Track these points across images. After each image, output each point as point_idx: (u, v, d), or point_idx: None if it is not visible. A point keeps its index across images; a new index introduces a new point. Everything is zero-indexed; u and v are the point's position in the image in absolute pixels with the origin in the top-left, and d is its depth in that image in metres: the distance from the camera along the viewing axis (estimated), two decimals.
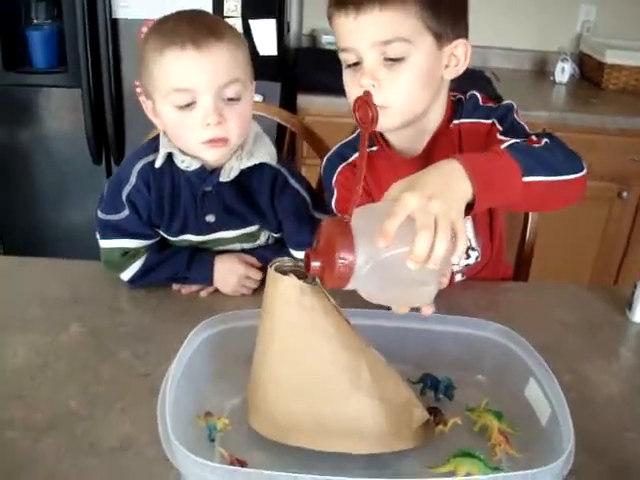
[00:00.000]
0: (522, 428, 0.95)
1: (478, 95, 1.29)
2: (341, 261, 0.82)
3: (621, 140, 2.64)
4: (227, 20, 2.17)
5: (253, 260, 1.35)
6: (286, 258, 0.93)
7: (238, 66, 1.20)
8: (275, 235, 1.40)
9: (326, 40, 2.96)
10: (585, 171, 1.10)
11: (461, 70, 1.22)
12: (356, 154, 1.30)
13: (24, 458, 0.90)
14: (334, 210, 1.36)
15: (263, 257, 1.33)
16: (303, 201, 1.34)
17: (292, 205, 1.33)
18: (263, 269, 1.30)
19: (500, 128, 1.23)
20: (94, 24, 2.23)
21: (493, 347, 1.04)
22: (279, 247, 1.38)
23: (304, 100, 2.52)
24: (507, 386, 1.02)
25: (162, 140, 1.28)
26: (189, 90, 1.17)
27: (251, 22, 2.24)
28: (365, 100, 0.87)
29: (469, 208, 0.92)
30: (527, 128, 1.22)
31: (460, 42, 1.19)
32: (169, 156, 1.27)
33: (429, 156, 1.25)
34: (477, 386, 1.06)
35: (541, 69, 3.22)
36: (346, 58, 1.19)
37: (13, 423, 0.96)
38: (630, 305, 1.32)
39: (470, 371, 1.07)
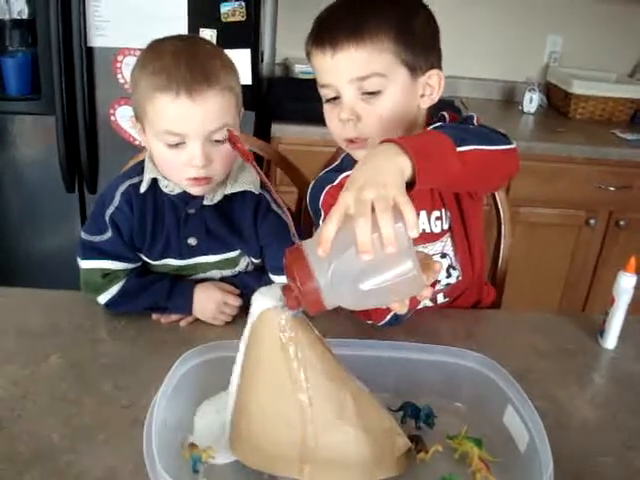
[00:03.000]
0: (502, 455, 0.97)
1: (446, 114, 1.31)
2: (305, 287, 0.83)
3: (588, 169, 2.71)
4: None
5: (231, 288, 1.35)
6: (269, 287, 0.94)
7: (229, 111, 1.22)
8: (255, 261, 1.41)
9: (299, 69, 3.00)
10: (515, 145, 1.14)
11: (436, 98, 1.26)
12: (342, 175, 1.33)
13: None
14: None
15: (243, 283, 1.35)
16: (285, 226, 1.36)
17: (274, 230, 1.35)
18: (243, 295, 1.32)
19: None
20: (69, 52, 2.23)
21: (471, 375, 1.06)
22: (259, 273, 1.40)
23: (278, 129, 2.55)
24: (486, 413, 1.04)
25: (147, 165, 1.30)
26: (180, 134, 1.19)
27: (226, 52, 2.26)
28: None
29: (411, 186, 0.91)
30: None
31: (434, 72, 1.24)
32: (153, 179, 1.29)
33: None
34: (457, 414, 1.08)
35: (509, 99, 3.30)
36: (325, 93, 1.24)
37: None
38: (602, 332, 1.35)
39: (449, 399, 1.09)
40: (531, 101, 3.07)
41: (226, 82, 1.21)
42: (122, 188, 1.31)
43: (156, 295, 1.32)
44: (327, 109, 1.26)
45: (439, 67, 1.26)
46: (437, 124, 1.14)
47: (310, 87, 3.05)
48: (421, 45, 1.21)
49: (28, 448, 0.97)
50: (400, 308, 0.94)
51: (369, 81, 1.18)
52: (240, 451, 0.94)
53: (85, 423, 1.03)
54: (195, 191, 1.28)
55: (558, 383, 1.22)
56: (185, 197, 1.30)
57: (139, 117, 1.25)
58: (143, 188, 1.29)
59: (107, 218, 1.31)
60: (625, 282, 1.30)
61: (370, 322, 1.31)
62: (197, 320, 1.33)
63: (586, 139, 2.81)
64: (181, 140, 1.20)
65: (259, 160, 1.84)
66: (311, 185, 1.43)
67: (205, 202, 1.31)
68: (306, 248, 0.85)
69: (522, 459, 0.94)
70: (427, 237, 1.37)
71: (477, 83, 3.27)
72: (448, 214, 1.38)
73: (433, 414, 1.04)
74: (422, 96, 1.25)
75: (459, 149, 0.99)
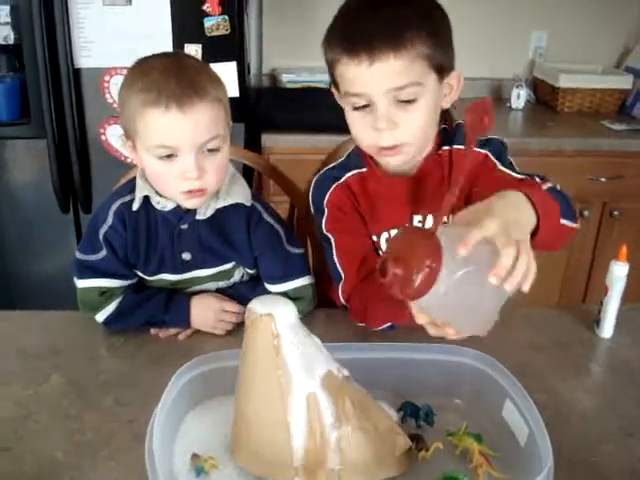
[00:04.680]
0: (502, 449, 0.98)
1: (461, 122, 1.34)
2: (427, 268, 0.86)
3: (578, 161, 2.72)
4: None
5: (227, 298, 1.37)
6: (264, 296, 0.95)
7: (219, 122, 1.23)
8: (250, 272, 1.42)
9: (286, 79, 3.01)
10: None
11: (455, 97, 1.27)
12: (349, 174, 1.34)
13: None
14: (323, 229, 1.36)
15: (239, 293, 1.36)
16: (277, 235, 1.37)
17: (267, 239, 1.36)
18: (239, 305, 1.33)
19: (496, 162, 1.29)
20: (56, 74, 2.25)
21: (469, 372, 1.08)
22: (254, 283, 1.41)
23: (268, 139, 2.57)
24: (485, 409, 1.05)
25: (138, 182, 1.31)
26: (172, 147, 1.20)
27: (212, 66, 2.27)
28: (482, 105, 0.90)
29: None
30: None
31: (455, 73, 1.25)
32: (145, 197, 1.30)
33: (421, 178, 1.32)
34: (456, 411, 1.09)
35: (497, 96, 3.30)
36: (354, 101, 1.20)
37: (0, 478, 0.96)
38: (598, 322, 1.36)
39: (448, 397, 1.10)
40: (519, 97, 3.09)
41: (215, 94, 1.22)
42: (114, 207, 1.32)
43: (153, 309, 1.33)
44: (355, 117, 1.22)
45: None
46: (548, 184, 1.20)
47: (298, 96, 3.09)
48: (446, 47, 1.22)
49: (33, 468, 0.98)
50: (454, 335, 1.03)
51: (406, 91, 1.16)
52: (241, 458, 0.95)
53: (88, 439, 1.04)
54: (190, 204, 1.28)
55: (556, 376, 1.23)
56: (178, 213, 1.31)
57: (129, 135, 1.26)
58: (135, 206, 1.30)
59: (101, 237, 1.31)
60: (617, 271, 1.31)
61: (362, 325, 1.32)
62: (195, 333, 1.34)
63: (575, 132, 2.83)
64: (174, 152, 1.20)
65: (250, 172, 1.85)
66: (315, 180, 1.41)
67: (198, 217, 1.31)
68: (440, 240, 0.90)
69: (522, 452, 0.94)
70: None
71: (465, 82, 3.26)
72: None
73: (433, 412, 1.05)
74: (444, 96, 1.26)
75: (561, 221, 1.13)
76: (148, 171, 1.27)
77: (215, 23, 2.24)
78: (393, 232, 1.34)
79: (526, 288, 0.92)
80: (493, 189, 1.07)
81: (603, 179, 2.74)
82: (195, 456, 0.94)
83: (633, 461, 1.04)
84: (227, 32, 2.27)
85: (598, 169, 2.74)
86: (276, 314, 0.90)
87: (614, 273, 1.31)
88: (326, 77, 3.12)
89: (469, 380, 1.08)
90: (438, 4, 1.22)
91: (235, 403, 0.95)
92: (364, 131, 1.22)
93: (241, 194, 1.34)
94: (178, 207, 1.30)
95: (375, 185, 1.35)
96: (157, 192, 1.30)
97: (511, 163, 1.32)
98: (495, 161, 1.30)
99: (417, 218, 1.34)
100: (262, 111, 2.69)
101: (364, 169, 1.35)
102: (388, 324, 1.29)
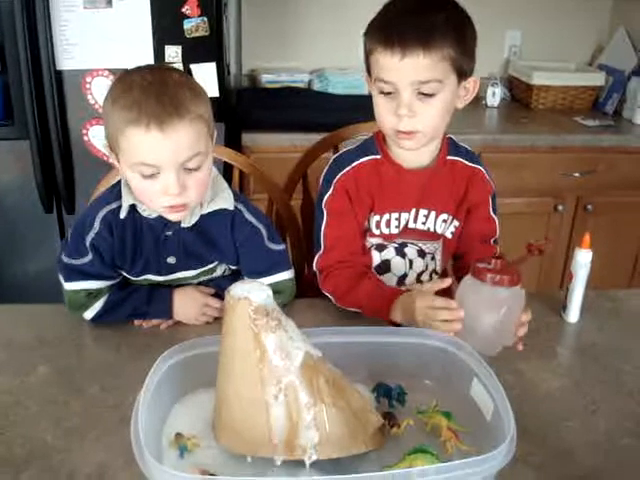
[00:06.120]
0: (470, 425, 1.03)
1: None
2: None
3: (552, 157, 2.79)
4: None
5: (210, 290, 1.42)
6: (243, 282, 1.00)
7: (200, 139, 1.24)
8: (233, 267, 1.46)
9: (266, 79, 3.05)
10: None
11: (469, 100, 1.42)
12: (364, 159, 1.46)
13: None
14: (323, 202, 1.47)
15: (221, 287, 1.39)
16: (258, 233, 1.41)
17: (248, 237, 1.40)
18: (221, 298, 1.37)
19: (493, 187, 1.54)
20: (39, 76, 2.28)
21: (439, 354, 1.13)
22: (235, 277, 1.44)
23: (248, 138, 2.60)
24: (453, 389, 1.10)
25: (124, 190, 1.33)
26: (153, 165, 1.22)
27: (192, 67, 2.33)
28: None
29: None
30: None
31: (473, 78, 1.38)
32: (131, 204, 1.32)
33: (431, 176, 1.47)
34: (426, 391, 1.14)
35: None
36: (382, 87, 1.34)
37: None
38: (564, 307, 1.42)
39: (419, 378, 1.15)
40: (494, 95, 3.14)
41: (196, 111, 1.22)
42: (101, 214, 1.34)
43: (136, 302, 1.37)
44: (381, 102, 1.36)
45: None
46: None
47: (277, 96, 3.12)
48: (470, 53, 1.35)
49: (23, 450, 1.02)
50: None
51: (428, 85, 1.30)
52: (223, 438, 1.00)
53: (75, 424, 1.08)
54: (172, 217, 1.31)
55: (523, 358, 1.28)
56: (163, 220, 1.34)
57: (112, 148, 1.27)
58: (123, 214, 1.32)
59: (87, 244, 1.33)
60: (581, 257, 1.37)
61: (330, 297, 1.45)
62: (177, 323, 1.38)
63: (549, 128, 2.89)
64: (155, 171, 1.22)
65: (229, 170, 1.90)
66: (333, 158, 1.52)
67: (183, 225, 1.35)
68: None
69: (489, 426, 0.99)
70: (429, 235, 1.51)
71: None
72: (454, 223, 1.51)
73: (404, 392, 1.10)
74: (459, 97, 1.39)
75: None
76: (132, 185, 1.28)
77: (194, 25, 2.28)
78: (395, 215, 1.46)
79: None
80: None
81: (576, 174, 2.80)
82: (178, 435, 0.99)
83: (597, 435, 1.10)
84: (206, 33, 2.31)
85: (571, 164, 2.80)
86: (253, 297, 0.95)
87: (578, 260, 1.37)
88: (304, 77, 3.18)
89: (439, 362, 1.13)
90: (469, 18, 1.36)
91: (216, 384, 1.00)
92: (387, 115, 1.36)
93: (224, 199, 1.37)
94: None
95: (388, 171, 1.46)
96: None
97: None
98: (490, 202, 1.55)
99: (423, 212, 1.48)
100: (242, 111, 2.73)
101: (378, 155, 1.46)
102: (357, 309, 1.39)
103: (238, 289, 0.97)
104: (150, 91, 1.19)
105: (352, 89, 2.94)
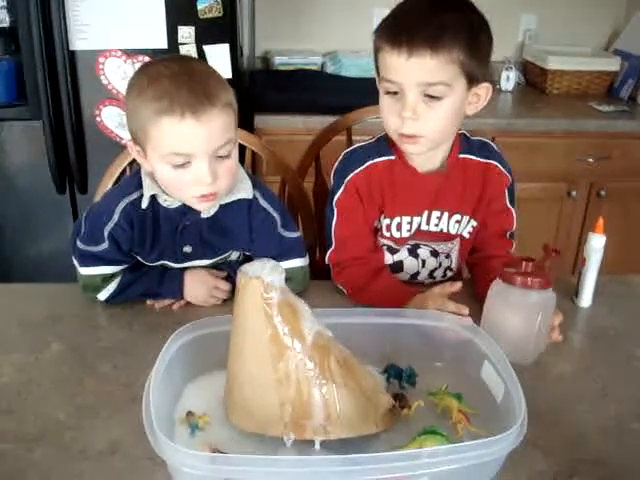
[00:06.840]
0: (480, 407, 1.04)
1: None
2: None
3: (566, 142, 2.77)
4: (182, 47, 2.28)
5: (221, 273, 1.42)
6: (256, 262, 1.00)
7: (231, 127, 1.25)
8: (247, 253, 1.47)
9: (279, 61, 3.05)
10: None
11: (480, 107, 1.37)
12: (378, 159, 1.43)
13: (18, 467, 0.95)
14: (334, 200, 1.45)
15: (234, 269, 1.39)
16: (272, 220, 1.41)
17: (261, 223, 1.40)
18: (233, 280, 1.37)
19: (510, 179, 1.49)
20: (52, 57, 2.28)
21: (450, 336, 1.13)
22: (250, 261, 1.44)
23: (261, 120, 2.60)
24: (464, 371, 1.11)
25: (145, 181, 1.32)
26: (186, 154, 1.22)
27: (205, 48, 2.32)
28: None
29: None
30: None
31: (485, 84, 1.33)
32: (152, 195, 1.32)
33: (446, 178, 1.43)
34: (437, 372, 1.14)
35: None
36: (387, 87, 1.31)
37: (5, 436, 1.01)
38: (577, 292, 1.41)
39: (430, 359, 1.15)
40: (508, 79, 3.13)
41: (225, 99, 1.23)
42: (121, 205, 1.33)
43: (149, 282, 1.38)
44: (386, 102, 1.33)
45: (489, 79, 1.36)
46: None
47: (290, 78, 3.12)
48: (483, 59, 1.31)
49: (35, 427, 1.03)
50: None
51: (435, 88, 1.26)
52: (234, 417, 1.00)
53: (88, 402, 1.09)
54: (202, 207, 1.31)
55: None
56: (183, 210, 1.34)
57: (139, 141, 1.26)
58: (144, 205, 1.32)
59: (106, 234, 1.33)
60: (595, 242, 1.36)
61: (342, 289, 1.44)
62: (189, 304, 1.39)
63: (564, 113, 2.87)
64: (187, 160, 1.22)
65: (242, 150, 1.90)
66: (344, 153, 1.49)
67: (202, 215, 1.35)
68: None
69: (499, 409, 1.00)
70: (442, 236, 1.49)
71: None
72: (472, 223, 1.48)
73: (415, 374, 1.11)
74: (469, 104, 1.34)
75: None
76: (159, 176, 1.28)
77: (208, 5, 2.28)
78: (407, 219, 1.44)
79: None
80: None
81: (590, 160, 2.79)
82: (190, 413, 1.00)
83: (607, 419, 1.10)
84: (220, 14, 2.30)
85: (585, 150, 2.79)
86: (265, 276, 0.95)
87: (591, 244, 1.37)
88: (317, 59, 3.17)
89: (450, 344, 1.13)
90: (485, 22, 1.32)
91: (228, 364, 1.01)
92: (391, 116, 1.32)
93: (244, 190, 1.37)
94: (184, 205, 1.33)
95: (402, 173, 1.43)
96: (164, 191, 1.32)
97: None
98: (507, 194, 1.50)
99: (436, 214, 1.45)
100: (255, 93, 2.73)
101: (392, 157, 1.43)
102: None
103: (250, 268, 0.97)
104: (180, 80, 1.19)
105: (365, 72, 2.91)
